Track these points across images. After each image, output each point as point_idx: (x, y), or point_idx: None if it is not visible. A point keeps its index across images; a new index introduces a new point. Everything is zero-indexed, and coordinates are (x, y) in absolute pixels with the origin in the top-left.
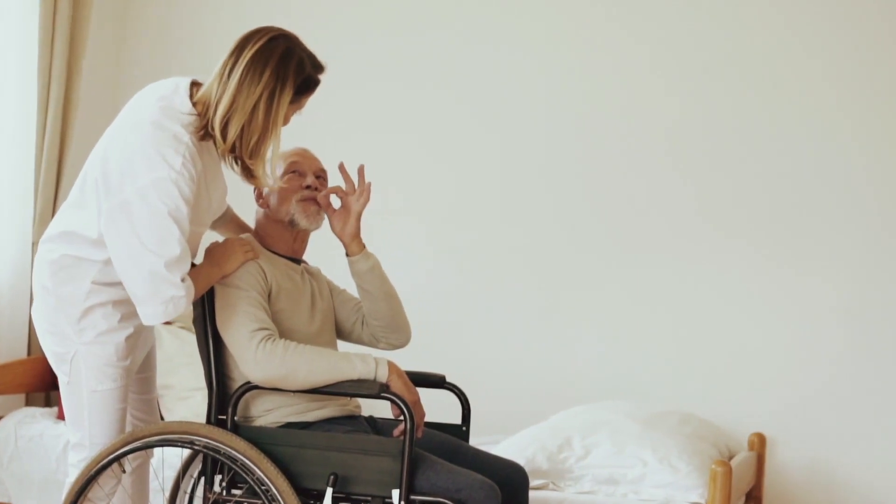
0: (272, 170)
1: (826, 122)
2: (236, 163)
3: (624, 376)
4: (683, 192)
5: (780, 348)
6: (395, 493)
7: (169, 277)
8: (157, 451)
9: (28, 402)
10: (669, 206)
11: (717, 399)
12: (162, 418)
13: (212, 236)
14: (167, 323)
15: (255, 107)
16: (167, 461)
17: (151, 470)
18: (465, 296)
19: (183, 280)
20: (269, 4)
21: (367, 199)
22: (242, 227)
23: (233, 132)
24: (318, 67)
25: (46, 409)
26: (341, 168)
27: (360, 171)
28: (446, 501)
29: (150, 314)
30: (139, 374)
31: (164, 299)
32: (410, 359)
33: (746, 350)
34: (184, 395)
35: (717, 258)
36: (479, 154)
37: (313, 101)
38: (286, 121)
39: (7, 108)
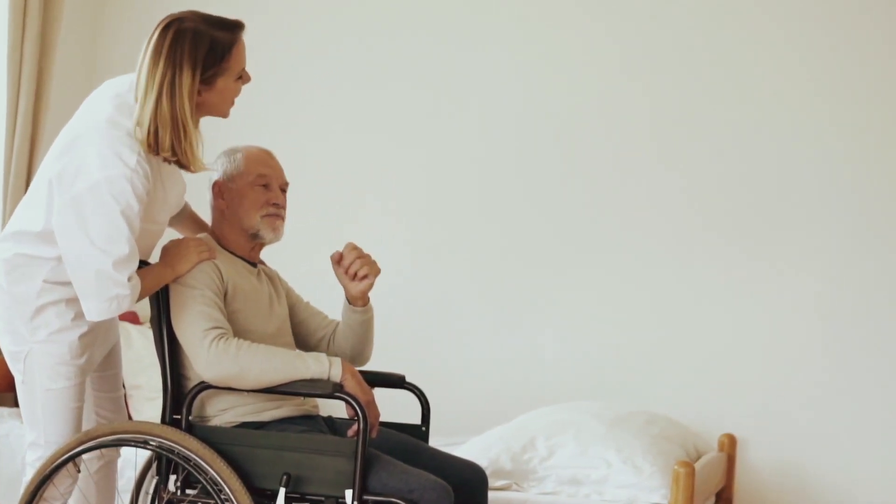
0: (196, 154)
1: (806, 119)
2: (166, 160)
3: (593, 377)
4: (656, 191)
5: (753, 349)
6: (349, 494)
7: (115, 276)
8: (124, 450)
9: None
10: (641, 206)
11: (689, 400)
12: (130, 418)
13: (170, 233)
14: (136, 323)
15: (157, 99)
16: (131, 461)
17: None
18: (432, 295)
19: (130, 279)
20: (246, 4)
21: (378, 270)
22: (200, 226)
23: (147, 130)
24: (229, 26)
25: (14, 409)
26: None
27: (350, 248)
28: (399, 501)
29: (93, 310)
30: (103, 371)
31: (108, 297)
32: (373, 359)
33: (718, 351)
34: (152, 396)
35: (689, 258)
36: (451, 153)
37: (292, 102)
38: (232, 92)
39: None
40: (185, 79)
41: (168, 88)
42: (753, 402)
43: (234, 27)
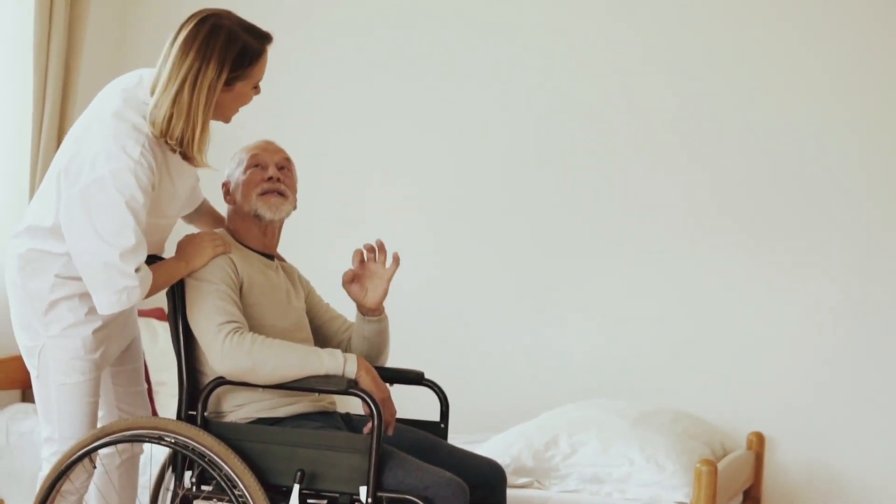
0: (203, 150)
1: (826, 119)
2: (174, 150)
3: (620, 374)
4: (680, 187)
5: (782, 347)
6: (363, 490)
7: (123, 268)
8: (147, 447)
9: (24, 399)
10: (665, 201)
11: (718, 398)
12: (156, 414)
13: (187, 229)
14: (163, 319)
15: (179, 89)
16: (155, 458)
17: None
18: (456, 292)
19: (138, 270)
20: None
21: (398, 265)
22: (218, 220)
23: (161, 117)
24: (260, 36)
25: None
26: (368, 248)
27: (380, 246)
28: (413, 498)
29: (103, 303)
30: (123, 366)
31: (117, 289)
32: (396, 355)
33: (747, 348)
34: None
35: (716, 255)
36: (475, 148)
37: (313, 95)
38: (244, 98)
39: (2, 104)
40: (210, 73)
41: (192, 79)
42: (782, 400)
43: (265, 37)
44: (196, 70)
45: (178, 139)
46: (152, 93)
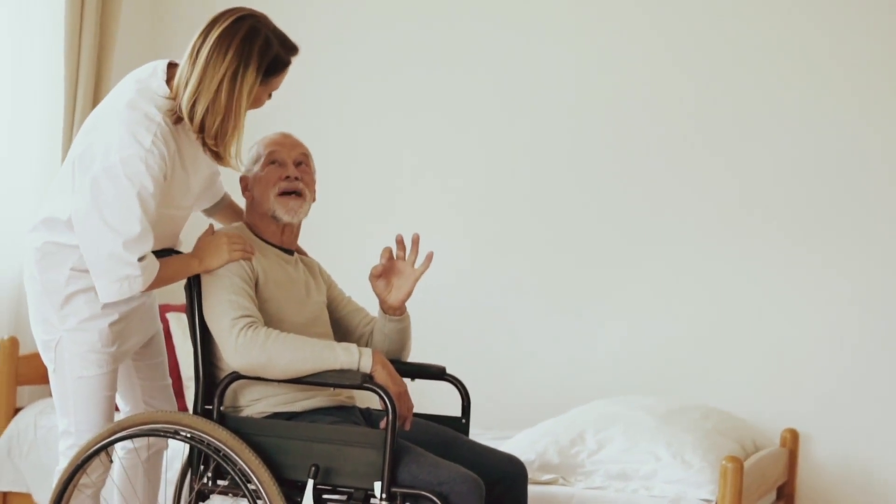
0: (237, 151)
1: (852, 116)
2: (205, 144)
3: (651, 371)
4: (708, 185)
5: (815, 343)
6: (377, 486)
7: (125, 256)
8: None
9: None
10: (693, 199)
11: (751, 395)
12: (186, 409)
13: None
14: None
15: (218, 87)
16: (179, 453)
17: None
18: (487, 290)
19: (141, 260)
20: None
21: (427, 267)
22: (238, 214)
23: (199, 113)
24: (290, 48)
25: None
26: (399, 240)
27: (415, 240)
28: (428, 494)
29: (104, 291)
30: (145, 360)
31: (118, 277)
32: (428, 351)
33: (780, 344)
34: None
35: (749, 251)
36: (505, 145)
37: (349, 88)
38: (258, 102)
39: (34, 101)
40: (249, 77)
41: (230, 79)
42: (817, 397)
43: (293, 50)
44: (234, 71)
45: (214, 136)
46: (183, 86)
